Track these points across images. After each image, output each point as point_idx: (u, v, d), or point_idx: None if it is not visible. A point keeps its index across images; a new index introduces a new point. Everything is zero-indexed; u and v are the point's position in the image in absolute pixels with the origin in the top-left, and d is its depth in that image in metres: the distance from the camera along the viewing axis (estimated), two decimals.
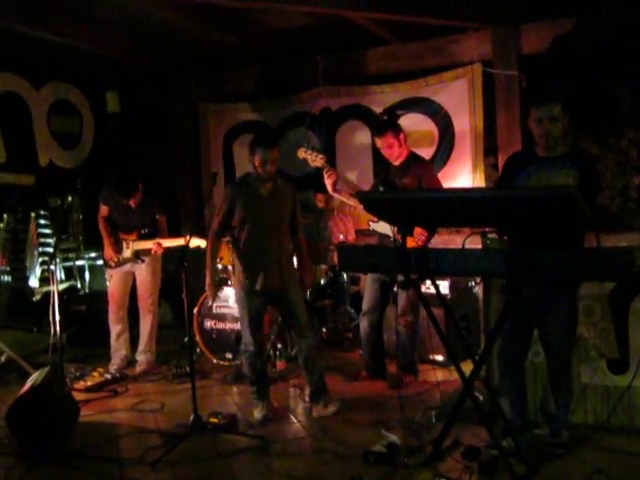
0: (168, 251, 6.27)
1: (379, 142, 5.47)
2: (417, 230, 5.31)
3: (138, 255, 6.10)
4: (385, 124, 5.97)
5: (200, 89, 8.55)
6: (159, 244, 6.01)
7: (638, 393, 4.15)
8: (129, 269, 6.21)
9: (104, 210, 6.22)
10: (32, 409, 4.34)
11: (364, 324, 5.64)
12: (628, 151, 6.46)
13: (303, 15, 6.53)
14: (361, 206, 5.55)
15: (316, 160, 5.35)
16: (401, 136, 5.43)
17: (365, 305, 5.65)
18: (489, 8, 6.51)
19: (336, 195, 5.58)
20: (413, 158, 5.54)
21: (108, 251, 6.14)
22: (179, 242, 5.97)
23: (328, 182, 5.39)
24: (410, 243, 5.34)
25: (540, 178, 3.85)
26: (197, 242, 5.62)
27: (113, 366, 6.13)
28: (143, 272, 6.20)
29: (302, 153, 5.43)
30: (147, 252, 6.09)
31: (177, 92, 8.67)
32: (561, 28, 6.40)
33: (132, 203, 6.04)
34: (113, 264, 6.16)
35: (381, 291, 5.57)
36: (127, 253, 6.11)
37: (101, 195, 6.21)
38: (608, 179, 6.45)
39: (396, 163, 5.54)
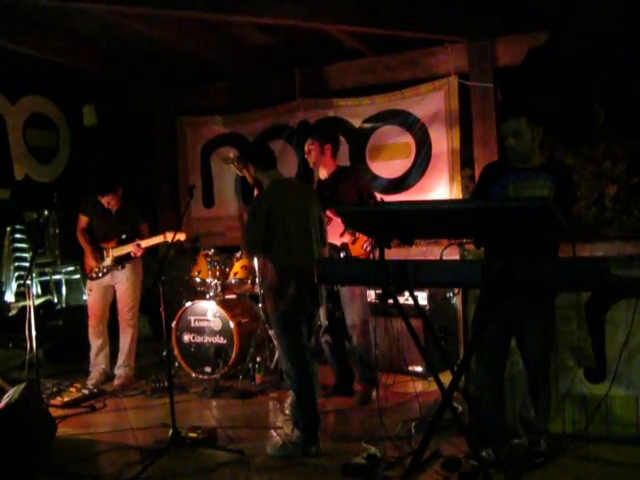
0: (147, 264, 6.23)
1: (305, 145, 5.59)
2: (362, 238, 5.30)
3: (119, 261, 6.07)
4: (314, 130, 6.00)
5: (177, 102, 8.53)
6: (138, 245, 5.99)
7: (615, 402, 4.18)
8: (109, 282, 6.17)
9: (83, 221, 6.23)
10: (8, 426, 4.26)
11: (327, 339, 5.60)
12: (602, 161, 6.53)
13: (280, 28, 6.55)
14: None
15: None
16: (326, 146, 5.48)
17: (324, 322, 5.59)
18: (465, 21, 6.57)
19: None
20: (342, 169, 5.62)
21: (89, 260, 6.12)
22: (158, 239, 5.95)
23: None
24: (358, 251, 5.34)
25: (516, 189, 3.88)
26: (178, 236, 5.51)
27: (91, 381, 6.08)
28: (123, 285, 6.16)
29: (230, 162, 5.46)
30: (127, 257, 6.06)
31: (154, 105, 8.64)
32: (536, 41, 6.46)
33: (111, 204, 6.01)
34: (94, 275, 6.13)
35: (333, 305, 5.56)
36: (107, 261, 6.10)
37: (80, 205, 6.21)
38: (583, 189, 6.51)
39: (323, 177, 5.56)
